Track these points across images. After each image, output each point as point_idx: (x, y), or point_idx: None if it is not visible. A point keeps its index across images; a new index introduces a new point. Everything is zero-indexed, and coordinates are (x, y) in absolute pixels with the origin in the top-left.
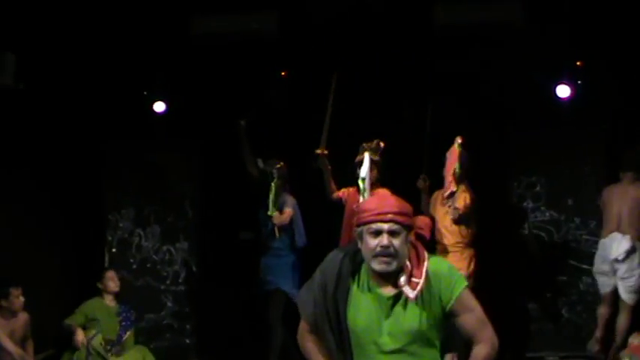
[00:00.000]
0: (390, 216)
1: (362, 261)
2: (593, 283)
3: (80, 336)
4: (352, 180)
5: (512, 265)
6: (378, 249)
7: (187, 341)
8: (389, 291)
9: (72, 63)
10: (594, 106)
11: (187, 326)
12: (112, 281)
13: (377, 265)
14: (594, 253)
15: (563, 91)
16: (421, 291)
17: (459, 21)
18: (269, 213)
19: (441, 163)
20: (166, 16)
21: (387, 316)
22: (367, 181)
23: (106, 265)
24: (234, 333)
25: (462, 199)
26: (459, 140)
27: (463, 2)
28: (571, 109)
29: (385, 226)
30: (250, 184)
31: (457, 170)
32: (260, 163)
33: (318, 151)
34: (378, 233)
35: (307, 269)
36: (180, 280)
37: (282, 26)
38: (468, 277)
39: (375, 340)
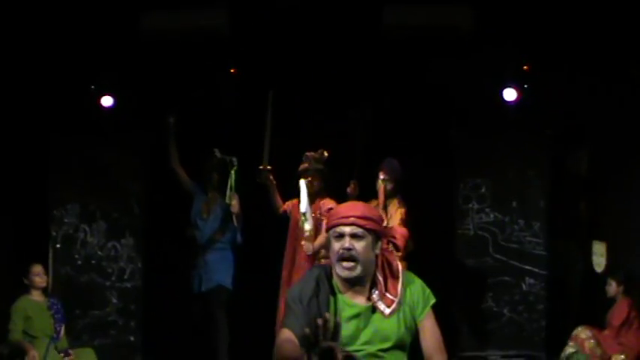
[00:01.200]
0: (352, 219)
1: (332, 276)
2: (536, 284)
3: (33, 352)
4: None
5: (457, 265)
6: (341, 251)
7: (132, 338)
8: (365, 302)
9: (18, 56)
10: (540, 111)
11: (132, 323)
12: (38, 276)
13: (341, 271)
14: (537, 255)
15: (509, 94)
16: (396, 308)
17: (407, 22)
18: (227, 201)
19: (376, 169)
20: (116, 11)
21: (366, 325)
22: (308, 214)
23: (50, 261)
24: (180, 330)
25: (398, 215)
26: (381, 176)
27: (413, 4)
28: (517, 113)
29: (347, 229)
30: (178, 183)
31: (385, 205)
32: (218, 153)
33: (261, 167)
34: (341, 236)
35: (242, 268)
36: (125, 277)
37: (231, 23)
38: None
39: (353, 347)
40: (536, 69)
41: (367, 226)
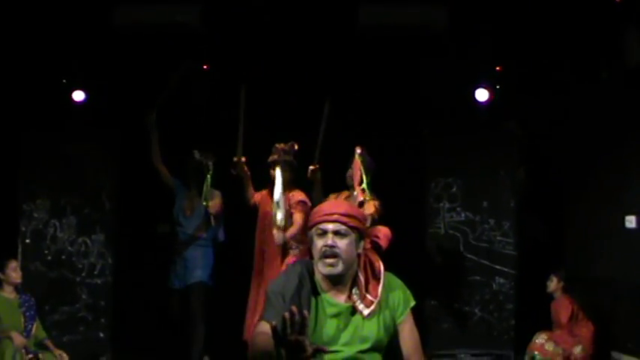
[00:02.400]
0: (335, 216)
1: (313, 273)
2: (506, 283)
3: (18, 338)
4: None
5: (427, 264)
6: (323, 249)
7: (101, 335)
8: (345, 300)
9: None
10: (511, 111)
11: (102, 320)
12: (14, 272)
13: (323, 268)
14: (507, 254)
15: (481, 95)
16: (375, 309)
17: (382, 22)
18: (204, 203)
19: (339, 161)
20: (89, 5)
21: (346, 326)
22: (281, 203)
23: (19, 256)
24: (149, 327)
25: (372, 206)
26: (357, 150)
27: (387, 4)
28: (489, 113)
29: (330, 226)
30: (161, 181)
31: (365, 180)
32: (196, 154)
33: (235, 159)
34: (324, 233)
35: (222, 264)
36: (95, 273)
37: (205, 19)
38: None
39: (330, 350)
40: (508, 70)
41: (350, 224)
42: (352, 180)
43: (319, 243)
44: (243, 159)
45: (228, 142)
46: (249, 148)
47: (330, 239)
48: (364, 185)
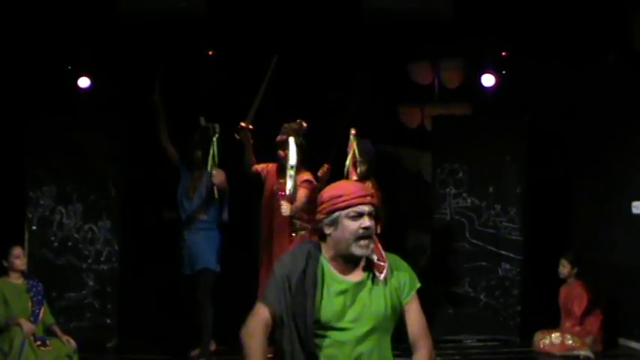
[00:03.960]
0: (369, 198)
1: (320, 253)
2: (512, 269)
3: (27, 325)
4: (271, 159)
5: (433, 250)
6: (361, 231)
7: (108, 321)
8: (351, 278)
9: None
10: (517, 96)
11: (109, 306)
12: (18, 259)
13: (358, 250)
14: (513, 240)
15: (487, 80)
16: (388, 274)
17: (387, 8)
18: (208, 169)
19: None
20: None
21: (352, 302)
22: (294, 172)
23: (26, 243)
24: (156, 313)
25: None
26: (352, 132)
27: None
28: (495, 99)
29: (367, 208)
30: (169, 163)
31: (358, 158)
32: (202, 121)
33: (243, 124)
34: (360, 216)
35: (227, 245)
36: (102, 259)
37: (210, 6)
38: None
39: (339, 327)
40: (514, 55)
41: (377, 206)
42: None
43: (354, 225)
44: (250, 127)
45: (231, 125)
46: (255, 122)
47: (367, 221)
48: (358, 160)
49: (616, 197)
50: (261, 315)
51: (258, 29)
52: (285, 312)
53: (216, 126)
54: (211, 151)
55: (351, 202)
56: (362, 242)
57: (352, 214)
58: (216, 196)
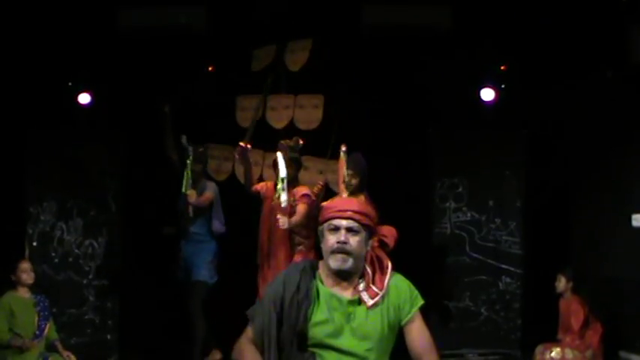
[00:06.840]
0: (349, 213)
1: (317, 269)
2: (512, 283)
3: (30, 344)
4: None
5: (434, 264)
6: (335, 245)
7: (109, 337)
8: (346, 294)
9: None
10: (517, 110)
11: (109, 322)
12: (26, 273)
13: (333, 262)
14: (514, 254)
15: (487, 94)
16: (379, 301)
17: (387, 22)
18: (183, 190)
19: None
20: (94, 7)
21: (349, 319)
22: (285, 185)
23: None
24: (156, 329)
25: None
26: (343, 148)
27: (392, 4)
28: (494, 113)
29: (343, 222)
30: (171, 171)
31: (345, 177)
32: (183, 140)
33: (242, 144)
34: (336, 229)
35: (225, 257)
36: (102, 275)
37: (209, 21)
38: None
39: (336, 344)
40: (513, 69)
41: (363, 222)
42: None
43: (331, 238)
44: (248, 146)
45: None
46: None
47: (342, 235)
48: (345, 179)
49: (616, 210)
50: (249, 336)
51: (258, 45)
52: (269, 327)
53: (190, 149)
54: (186, 174)
55: (329, 215)
56: (338, 256)
57: (330, 227)
58: (191, 214)
